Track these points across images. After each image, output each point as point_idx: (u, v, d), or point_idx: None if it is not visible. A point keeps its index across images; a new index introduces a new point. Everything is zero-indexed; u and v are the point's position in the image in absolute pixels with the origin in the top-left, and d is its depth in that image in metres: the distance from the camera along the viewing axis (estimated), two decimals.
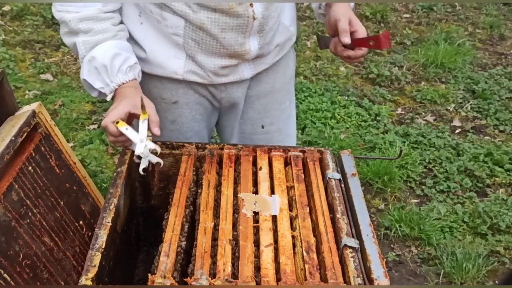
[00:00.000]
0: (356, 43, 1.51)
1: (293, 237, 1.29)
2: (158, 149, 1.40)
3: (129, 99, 1.37)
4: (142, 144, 1.35)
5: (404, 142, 3.28)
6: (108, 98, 1.43)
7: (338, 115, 3.47)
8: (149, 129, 1.36)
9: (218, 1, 1.38)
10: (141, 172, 1.38)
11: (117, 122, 1.32)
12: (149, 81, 1.58)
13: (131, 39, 1.52)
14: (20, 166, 1.42)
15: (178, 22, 1.44)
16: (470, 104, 3.76)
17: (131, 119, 1.39)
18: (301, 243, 1.26)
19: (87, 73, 1.42)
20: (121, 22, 1.50)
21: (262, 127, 1.75)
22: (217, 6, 1.39)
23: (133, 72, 1.44)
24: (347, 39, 1.49)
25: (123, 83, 1.42)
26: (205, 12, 1.40)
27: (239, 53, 1.51)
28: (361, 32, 1.51)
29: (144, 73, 1.54)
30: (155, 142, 1.42)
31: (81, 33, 1.42)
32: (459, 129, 3.51)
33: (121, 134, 1.35)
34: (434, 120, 3.59)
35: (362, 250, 1.24)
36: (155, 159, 1.40)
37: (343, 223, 1.30)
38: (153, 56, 1.52)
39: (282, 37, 1.63)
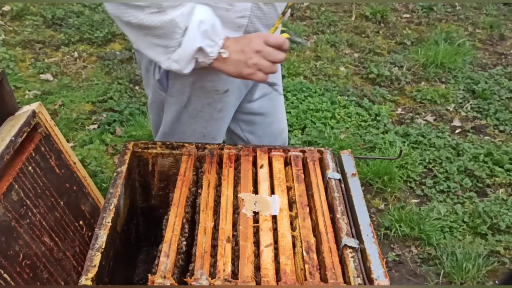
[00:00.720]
0: None
1: (293, 237, 1.29)
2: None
3: (253, 36, 1.38)
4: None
5: (404, 142, 3.28)
6: (224, 55, 1.39)
7: (338, 115, 3.47)
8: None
9: None
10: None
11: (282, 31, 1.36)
12: (205, 75, 1.57)
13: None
14: (20, 166, 1.43)
15: (245, 4, 1.46)
16: (470, 104, 3.75)
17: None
18: (301, 243, 1.26)
19: (200, 39, 1.36)
20: None
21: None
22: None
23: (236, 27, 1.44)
24: None
25: (226, 37, 1.39)
26: None
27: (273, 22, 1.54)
28: None
29: (202, 68, 1.51)
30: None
31: (166, 9, 1.33)
32: (459, 129, 3.51)
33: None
34: (434, 120, 3.59)
35: (362, 250, 1.24)
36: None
37: (343, 223, 1.30)
38: None
39: None
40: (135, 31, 1.35)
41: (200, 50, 1.36)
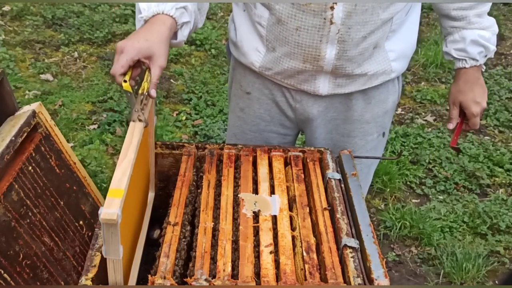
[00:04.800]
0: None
1: (293, 237, 1.29)
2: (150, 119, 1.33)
3: (149, 42, 1.25)
4: (136, 114, 1.26)
5: (404, 142, 3.28)
6: (139, 17, 1.33)
7: None
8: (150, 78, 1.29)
9: None
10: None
11: (125, 81, 1.24)
12: (237, 65, 1.66)
13: (232, 23, 1.61)
14: (20, 166, 1.42)
15: (263, 12, 1.47)
16: None
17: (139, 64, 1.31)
18: (301, 243, 1.26)
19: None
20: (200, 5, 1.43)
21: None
22: (295, 0, 1.39)
23: (179, 14, 1.32)
24: (451, 126, 1.72)
25: (163, 13, 1.31)
26: (285, 5, 1.41)
27: (313, 56, 1.46)
28: (472, 126, 1.69)
29: (234, 57, 1.65)
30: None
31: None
32: None
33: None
34: (434, 120, 3.59)
35: (362, 250, 1.24)
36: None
37: (343, 223, 1.30)
38: (240, 43, 1.58)
39: (376, 67, 1.53)
40: None
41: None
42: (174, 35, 1.36)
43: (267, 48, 1.53)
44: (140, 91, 1.28)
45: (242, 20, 1.57)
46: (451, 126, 1.70)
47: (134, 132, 1.21)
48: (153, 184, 1.57)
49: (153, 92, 1.27)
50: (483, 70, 1.66)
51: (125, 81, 1.23)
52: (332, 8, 1.38)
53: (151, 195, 1.59)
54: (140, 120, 1.25)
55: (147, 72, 1.29)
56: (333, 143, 1.68)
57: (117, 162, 1.13)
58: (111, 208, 0.99)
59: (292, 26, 1.43)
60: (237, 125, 1.74)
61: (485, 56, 1.62)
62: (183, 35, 1.38)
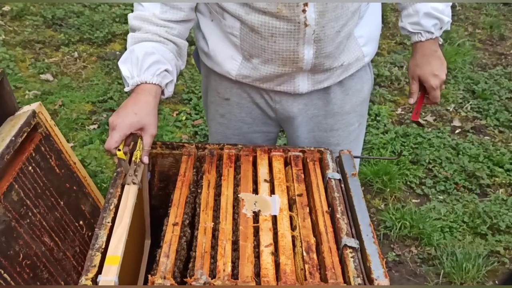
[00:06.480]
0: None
1: (293, 237, 1.29)
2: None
3: (138, 115, 1.34)
4: (130, 178, 1.37)
5: (404, 142, 3.28)
6: (126, 89, 1.41)
7: None
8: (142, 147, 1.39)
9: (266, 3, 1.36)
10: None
11: (119, 150, 1.33)
12: (211, 73, 1.64)
13: (200, 31, 1.57)
14: (20, 166, 1.43)
15: (234, 23, 1.44)
16: (470, 104, 3.76)
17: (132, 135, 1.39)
18: (301, 243, 1.26)
19: (123, 60, 1.41)
20: (181, 36, 1.47)
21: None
22: (266, 8, 1.37)
23: (161, 79, 1.39)
24: (412, 100, 1.72)
25: (146, 82, 1.38)
26: (256, 14, 1.39)
27: (291, 59, 1.46)
28: (432, 99, 1.69)
29: (206, 66, 1.62)
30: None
31: (134, 30, 1.44)
32: (459, 129, 3.51)
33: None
34: (434, 120, 3.59)
35: (362, 250, 1.24)
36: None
37: (343, 223, 1.30)
38: (213, 53, 1.55)
39: (350, 56, 1.55)
40: None
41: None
42: (162, 93, 1.43)
43: (243, 56, 1.51)
44: (133, 159, 1.39)
45: (211, 30, 1.53)
46: (411, 100, 1.71)
47: (129, 196, 1.33)
48: (149, 232, 1.65)
49: (145, 159, 1.39)
50: (440, 43, 1.66)
51: (119, 150, 1.33)
52: (304, 11, 1.37)
53: (147, 243, 1.65)
54: (134, 183, 1.37)
55: (139, 141, 1.39)
56: (316, 141, 1.69)
57: (114, 226, 1.25)
58: (108, 276, 1.12)
59: (267, 34, 1.41)
60: (220, 131, 1.73)
61: (440, 28, 1.61)
62: (169, 91, 1.46)
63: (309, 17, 1.38)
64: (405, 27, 1.63)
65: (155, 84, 1.38)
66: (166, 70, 1.40)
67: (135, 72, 1.38)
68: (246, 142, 1.69)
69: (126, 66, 1.39)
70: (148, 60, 1.37)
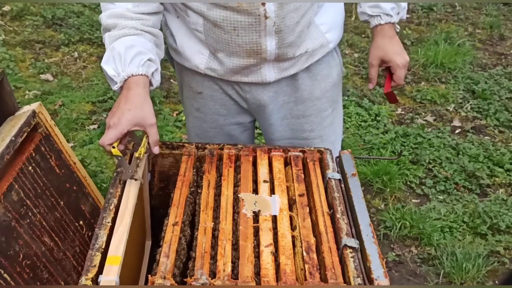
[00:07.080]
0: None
1: (293, 237, 1.29)
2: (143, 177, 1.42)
3: (132, 111, 1.34)
4: (130, 174, 1.36)
5: (404, 142, 3.28)
6: (115, 88, 1.41)
7: None
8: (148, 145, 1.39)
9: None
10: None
11: (113, 147, 1.32)
12: (183, 69, 1.66)
13: (168, 29, 1.59)
14: (20, 166, 1.43)
15: (198, 19, 1.48)
16: (470, 104, 3.75)
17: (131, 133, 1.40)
18: (301, 243, 1.26)
19: (105, 61, 1.42)
20: (156, 27, 1.49)
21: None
22: (227, 3, 1.40)
23: (146, 68, 1.40)
24: (371, 86, 1.71)
25: (132, 75, 1.38)
26: (217, 10, 1.42)
27: (255, 51, 1.50)
28: (397, 80, 1.65)
29: (177, 62, 1.65)
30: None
31: (110, 29, 1.44)
32: (459, 129, 3.51)
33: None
34: (434, 120, 3.59)
35: (362, 250, 1.24)
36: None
37: (343, 223, 1.30)
38: (181, 49, 1.58)
39: (313, 43, 1.58)
40: None
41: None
42: (150, 84, 1.43)
43: (209, 50, 1.55)
44: (136, 155, 1.38)
45: (178, 26, 1.56)
46: (371, 86, 1.71)
47: (130, 196, 1.32)
48: (149, 233, 1.65)
49: (156, 150, 1.39)
50: (397, 31, 1.67)
51: (113, 147, 1.32)
52: (263, 4, 1.41)
53: (147, 244, 1.65)
54: (135, 179, 1.36)
55: (144, 139, 1.39)
56: (290, 128, 1.71)
57: (115, 226, 1.23)
58: (109, 276, 1.12)
59: (229, 28, 1.45)
60: (197, 125, 1.76)
61: (398, 13, 1.63)
62: (156, 80, 1.46)
63: (269, 9, 1.42)
64: (365, 11, 1.65)
65: (141, 75, 1.38)
66: (149, 60, 1.41)
67: (119, 68, 1.38)
68: (224, 135, 1.74)
69: (110, 66, 1.40)
70: (130, 53, 1.38)
